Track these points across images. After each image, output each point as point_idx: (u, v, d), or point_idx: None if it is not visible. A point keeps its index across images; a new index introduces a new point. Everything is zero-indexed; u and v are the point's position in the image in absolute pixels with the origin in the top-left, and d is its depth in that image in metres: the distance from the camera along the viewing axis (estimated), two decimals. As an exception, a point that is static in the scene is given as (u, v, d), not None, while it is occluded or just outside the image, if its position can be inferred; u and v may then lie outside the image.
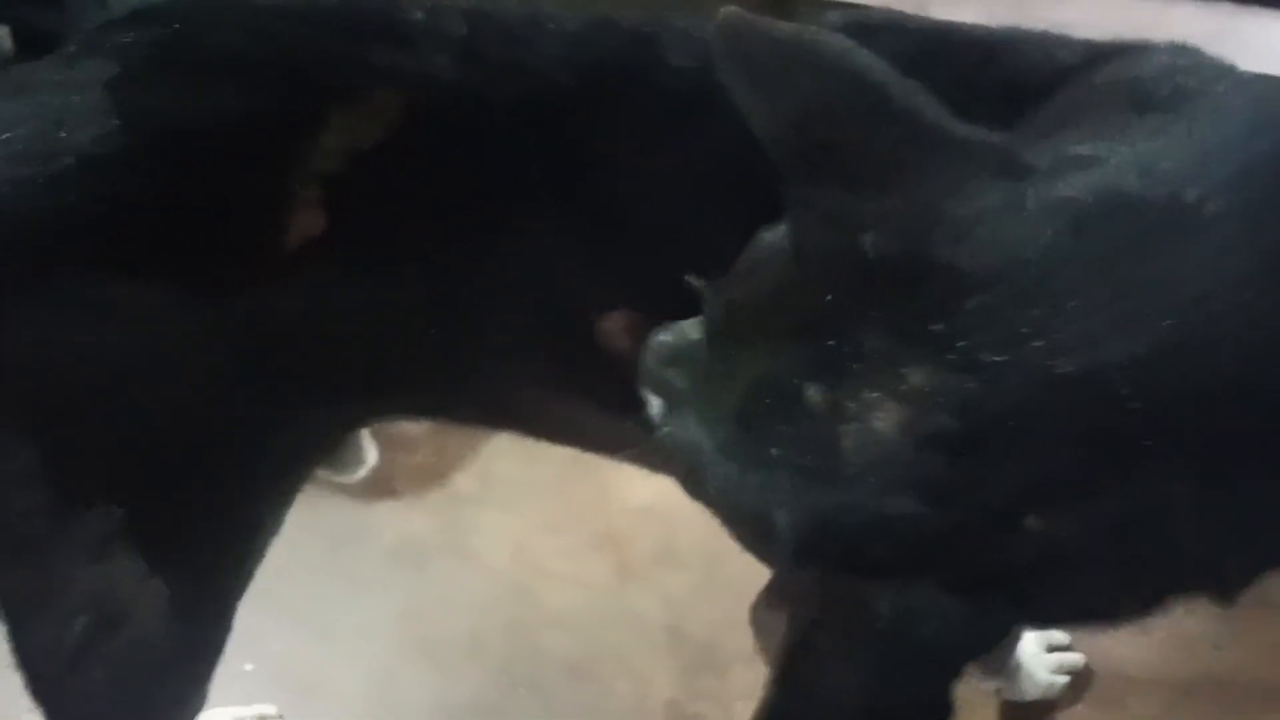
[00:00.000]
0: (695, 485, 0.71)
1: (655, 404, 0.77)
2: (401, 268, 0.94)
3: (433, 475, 1.66)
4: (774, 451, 0.64)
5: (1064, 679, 1.44)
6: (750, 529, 0.68)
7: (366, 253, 0.93)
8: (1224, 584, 0.71)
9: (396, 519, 1.64)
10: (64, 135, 0.85)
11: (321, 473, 1.18)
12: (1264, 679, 1.41)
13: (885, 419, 0.60)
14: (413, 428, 1.63)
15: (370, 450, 1.52)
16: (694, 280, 0.76)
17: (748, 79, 0.70)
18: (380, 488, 1.64)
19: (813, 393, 0.63)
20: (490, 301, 0.95)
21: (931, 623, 0.60)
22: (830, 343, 0.63)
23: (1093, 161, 0.67)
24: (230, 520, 1.03)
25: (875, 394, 0.61)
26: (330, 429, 1.10)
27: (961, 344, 0.59)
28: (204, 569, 1.04)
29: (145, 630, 1.02)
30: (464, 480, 1.67)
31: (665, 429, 0.73)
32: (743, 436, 0.67)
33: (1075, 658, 1.45)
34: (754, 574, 0.86)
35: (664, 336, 0.78)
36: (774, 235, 0.72)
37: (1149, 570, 0.67)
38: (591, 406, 1.00)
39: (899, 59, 0.79)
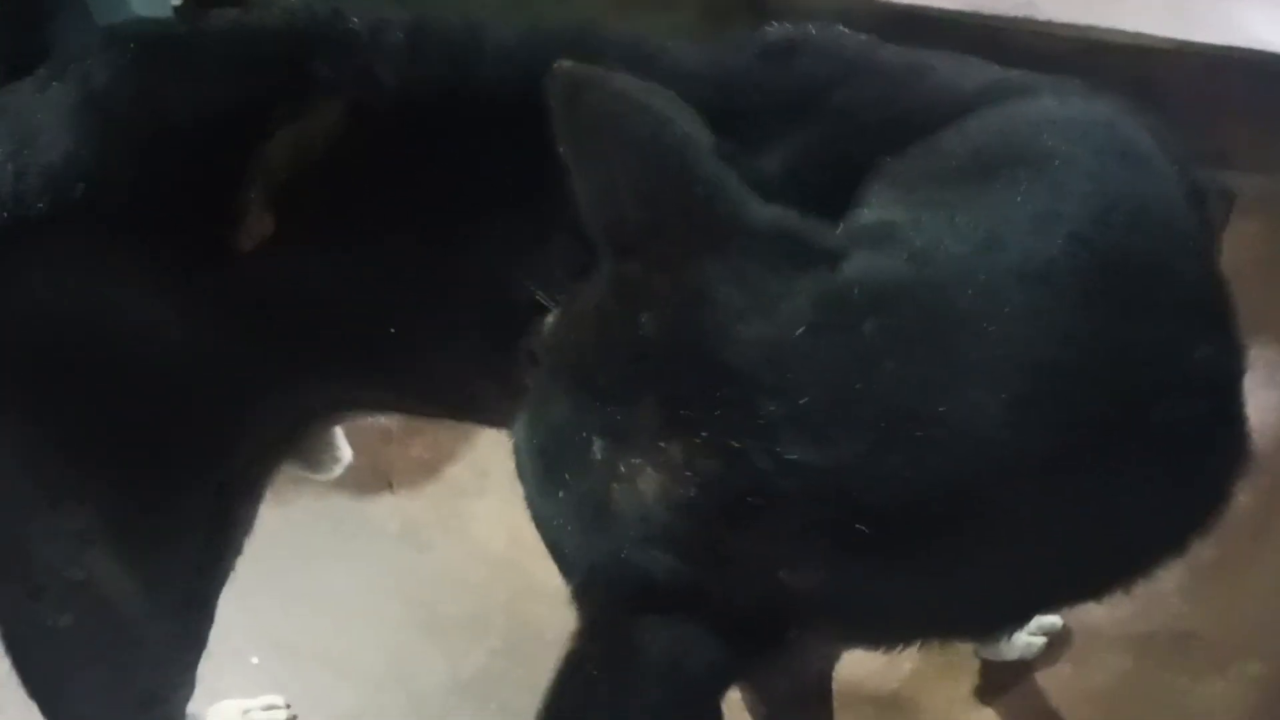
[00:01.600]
0: (524, 490, 0.75)
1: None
2: (357, 255, 1.00)
3: (430, 468, 1.72)
4: (561, 494, 0.68)
5: (1041, 640, 1.49)
6: (549, 549, 0.72)
7: (321, 244, 0.99)
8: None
9: (399, 510, 1.69)
10: (32, 152, 0.93)
11: (300, 472, 1.24)
12: (1227, 632, 1.47)
13: (647, 483, 0.64)
14: (408, 423, 1.68)
15: (344, 448, 1.58)
16: (541, 295, 0.79)
17: (570, 137, 0.72)
18: (380, 481, 1.71)
19: (597, 449, 0.66)
20: (442, 295, 1.01)
21: (693, 659, 0.63)
22: (614, 407, 0.66)
23: (887, 237, 0.69)
24: (205, 509, 1.08)
25: (640, 460, 0.65)
26: (299, 416, 1.15)
27: (706, 431, 0.63)
28: (182, 561, 1.10)
29: (129, 622, 1.08)
30: (459, 472, 1.73)
31: (514, 427, 0.76)
32: (541, 468, 0.71)
33: (1053, 619, 1.50)
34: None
35: (549, 322, 0.80)
36: (592, 286, 0.73)
37: (897, 620, 0.71)
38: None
39: (811, 83, 0.85)
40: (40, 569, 1.03)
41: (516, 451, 0.74)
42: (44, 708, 1.12)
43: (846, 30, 0.92)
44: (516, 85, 0.91)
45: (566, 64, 0.72)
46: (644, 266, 0.68)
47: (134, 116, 0.98)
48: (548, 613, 1.56)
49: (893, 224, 0.70)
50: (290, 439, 1.15)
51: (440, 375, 1.09)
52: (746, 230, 0.68)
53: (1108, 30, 1.49)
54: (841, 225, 0.71)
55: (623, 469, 0.65)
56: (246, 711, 1.50)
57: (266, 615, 1.57)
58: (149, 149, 0.97)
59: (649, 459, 0.64)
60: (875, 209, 0.73)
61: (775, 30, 0.92)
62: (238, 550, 1.13)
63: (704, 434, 0.63)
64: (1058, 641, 1.49)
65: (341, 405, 1.17)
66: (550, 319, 0.77)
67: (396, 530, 1.68)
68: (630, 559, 0.64)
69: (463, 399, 1.12)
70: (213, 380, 1.02)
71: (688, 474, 0.63)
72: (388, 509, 1.70)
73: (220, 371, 1.01)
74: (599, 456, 0.66)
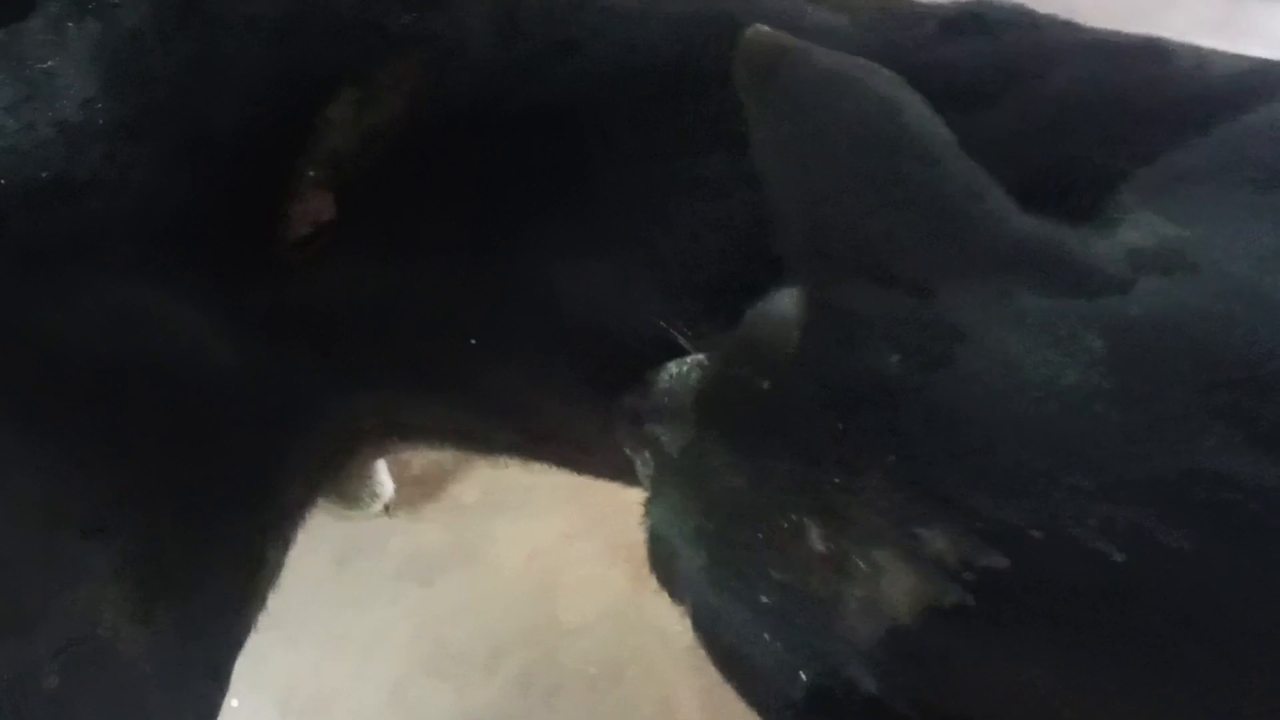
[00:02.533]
0: (669, 586, 0.62)
1: (639, 465, 0.67)
2: (419, 260, 0.86)
3: (432, 488, 1.60)
4: (763, 599, 0.55)
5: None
6: (727, 665, 0.58)
7: (381, 242, 0.86)
8: None
9: (399, 534, 1.57)
10: (47, 104, 0.78)
11: (337, 509, 1.11)
12: None
13: (896, 585, 0.50)
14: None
15: (386, 483, 1.46)
16: (680, 331, 0.67)
17: (766, 121, 0.58)
18: (383, 500, 1.58)
19: (815, 538, 0.52)
20: (512, 305, 0.87)
21: None
22: (835, 480, 0.52)
23: (1177, 263, 0.54)
24: (245, 552, 0.94)
25: (886, 552, 0.50)
26: (350, 444, 1.01)
27: (987, 513, 0.49)
28: (212, 615, 0.94)
29: (132, 673, 0.90)
30: (466, 489, 1.60)
31: (649, 508, 0.62)
32: (725, 563, 0.57)
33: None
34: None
35: (655, 379, 0.66)
36: (780, 311, 0.59)
37: None
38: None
39: (1010, 64, 0.71)
40: (54, 618, 0.87)
41: (657, 539, 0.61)
42: None
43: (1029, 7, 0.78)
44: (637, 60, 0.79)
45: (763, 30, 0.58)
46: (873, 291, 0.54)
47: (173, 67, 0.80)
48: (568, 645, 1.47)
49: (1179, 247, 0.56)
50: (336, 470, 1.02)
51: (511, 395, 0.95)
52: (1012, 245, 0.54)
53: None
54: (1102, 241, 0.57)
55: (860, 565, 0.51)
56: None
57: (250, 652, 1.42)
58: (191, 109, 0.80)
59: (897, 551, 0.50)
60: (1144, 224, 0.58)
61: (953, 3, 0.78)
62: (263, 602, 0.98)
63: (984, 518, 0.49)
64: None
65: (396, 431, 1.03)
66: (687, 366, 0.63)
67: (397, 557, 1.55)
68: (855, 679, 0.51)
69: (541, 428, 0.98)
70: (262, 401, 0.89)
71: (963, 574, 0.49)
72: (386, 533, 1.56)
73: (270, 392, 0.89)
74: (819, 547, 0.52)
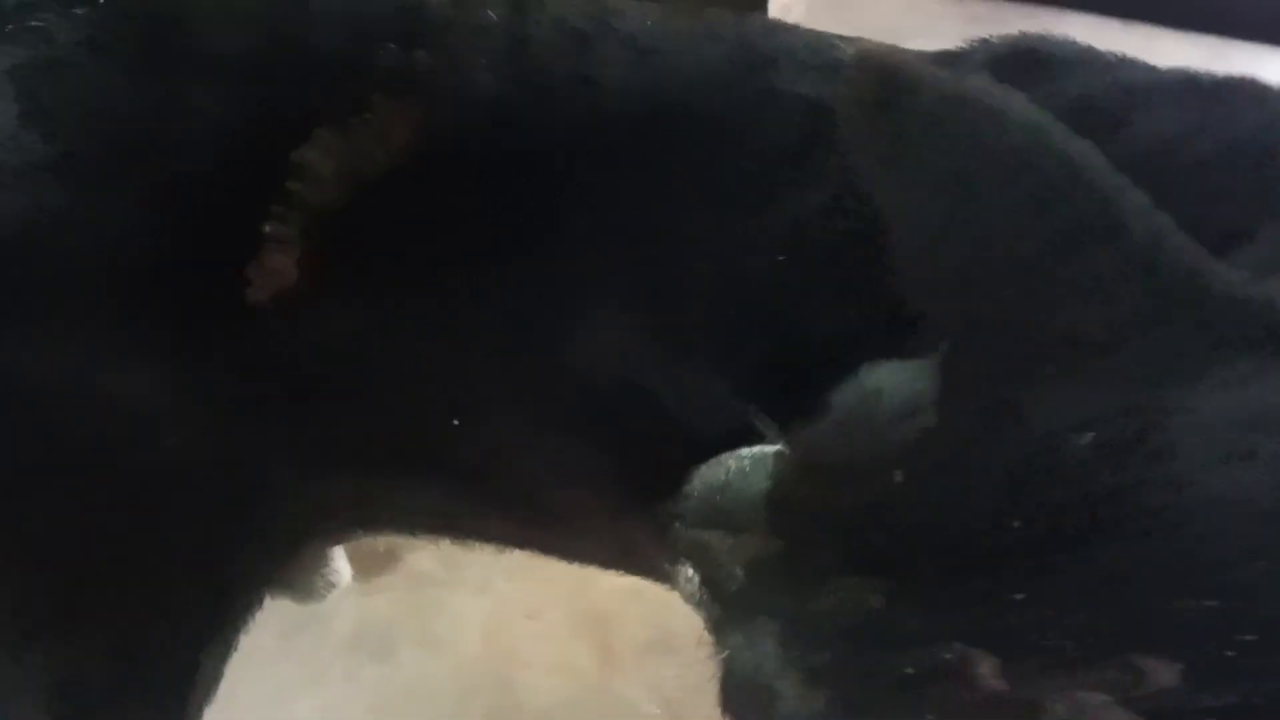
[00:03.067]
0: None
1: (681, 579, 0.58)
2: (402, 320, 0.77)
3: (388, 557, 1.50)
4: None
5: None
6: None
7: (358, 298, 0.76)
8: None
9: (353, 607, 1.47)
10: None
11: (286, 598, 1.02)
12: None
13: None
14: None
15: (344, 569, 1.36)
16: (759, 418, 0.57)
17: (888, 154, 0.49)
18: (333, 572, 1.48)
19: (989, 672, 0.43)
20: (512, 373, 0.79)
21: None
22: (1016, 596, 0.42)
23: None
24: (172, 668, 0.84)
25: (1100, 698, 0.42)
26: (301, 533, 0.91)
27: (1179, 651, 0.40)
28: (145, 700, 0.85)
29: None
30: (423, 561, 1.51)
31: (721, 637, 0.54)
32: (859, 707, 0.47)
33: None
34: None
35: (705, 475, 0.57)
36: (898, 387, 0.50)
37: None
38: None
39: (1087, 107, 0.62)
40: None
41: (741, 679, 0.51)
42: None
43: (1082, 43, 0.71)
44: (648, 105, 0.71)
45: (874, 49, 0.50)
46: (1048, 353, 0.45)
47: (113, 94, 0.70)
48: (531, 729, 1.38)
49: None
50: (290, 563, 0.92)
51: (511, 482, 0.86)
52: (1215, 304, 0.45)
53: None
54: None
55: (1057, 707, 0.41)
56: None
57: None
58: (143, 149, 0.71)
59: (1112, 693, 0.41)
60: None
61: (1002, 40, 0.70)
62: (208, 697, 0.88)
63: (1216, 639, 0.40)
64: None
65: (366, 518, 0.94)
66: (749, 461, 0.54)
67: (350, 632, 1.45)
68: None
69: (545, 516, 0.89)
70: (216, 491, 0.80)
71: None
72: (339, 606, 1.46)
73: (227, 480, 0.79)
74: (996, 684, 0.43)
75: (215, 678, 0.87)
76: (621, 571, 0.95)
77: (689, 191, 0.73)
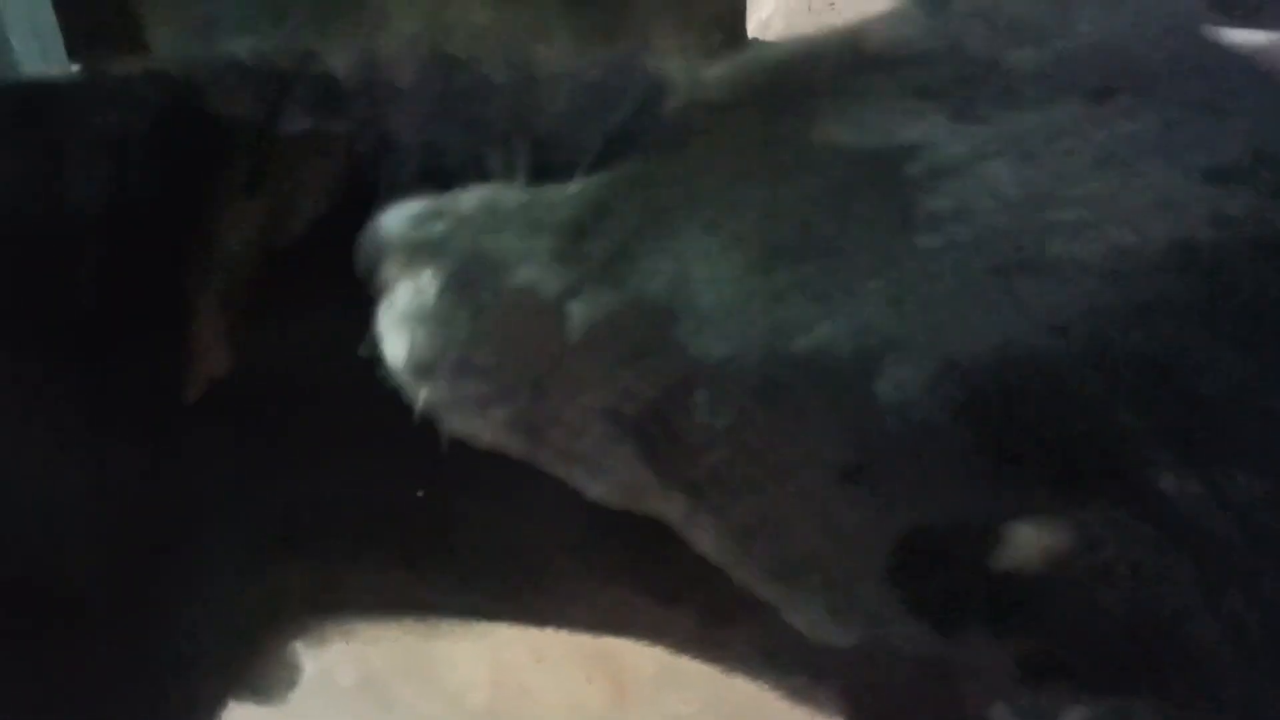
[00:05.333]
0: None
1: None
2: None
3: (390, 602, 1.39)
4: None
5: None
6: None
7: (286, 374, 0.77)
8: None
9: (355, 656, 1.40)
10: None
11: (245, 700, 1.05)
12: None
13: None
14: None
15: (300, 660, 1.27)
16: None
17: None
18: (331, 622, 1.37)
19: None
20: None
21: None
22: None
23: None
24: None
25: None
26: (256, 636, 0.92)
27: None
28: None
29: None
30: (428, 605, 1.41)
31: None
32: None
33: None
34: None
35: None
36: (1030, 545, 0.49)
37: None
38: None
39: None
40: None
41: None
42: None
43: None
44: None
45: None
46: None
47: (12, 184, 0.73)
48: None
49: None
50: (253, 658, 0.93)
51: (497, 558, 0.88)
52: None
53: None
54: None
55: None
56: None
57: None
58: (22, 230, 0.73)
59: None
60: None
61: None
62: None
63: None
64: None
65: (324, 609, 0.94)
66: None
67: (354, 684, 1.41)
68: None
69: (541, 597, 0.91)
70: (149, 606, 0.79)
71: None
72: (341, 656, 1.39)
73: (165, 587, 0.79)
74: None
75: None
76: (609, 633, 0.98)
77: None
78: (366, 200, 0.68)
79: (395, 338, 0.63)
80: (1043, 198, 0.45)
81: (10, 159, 0.74)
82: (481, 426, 0.63)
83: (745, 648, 0.86)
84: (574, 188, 0.60)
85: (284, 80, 0.77)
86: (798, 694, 0.81)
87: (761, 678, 0.84)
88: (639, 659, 1.42)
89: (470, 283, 0.61)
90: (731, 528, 0.55)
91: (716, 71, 0.58)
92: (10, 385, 0.71)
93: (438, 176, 0.67)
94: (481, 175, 0.66)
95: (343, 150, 0.74)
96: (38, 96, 0.80)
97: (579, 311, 0.56)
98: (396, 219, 0.63)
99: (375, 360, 0.64)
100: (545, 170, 0.65)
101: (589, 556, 0.79)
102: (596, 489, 0.61)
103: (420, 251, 0.62)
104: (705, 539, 0.57)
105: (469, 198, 0.64)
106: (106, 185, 0.72)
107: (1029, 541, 0.43)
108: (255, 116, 0.75)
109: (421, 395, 0.62)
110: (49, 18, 1.45)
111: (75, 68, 1.56)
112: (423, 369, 0.62)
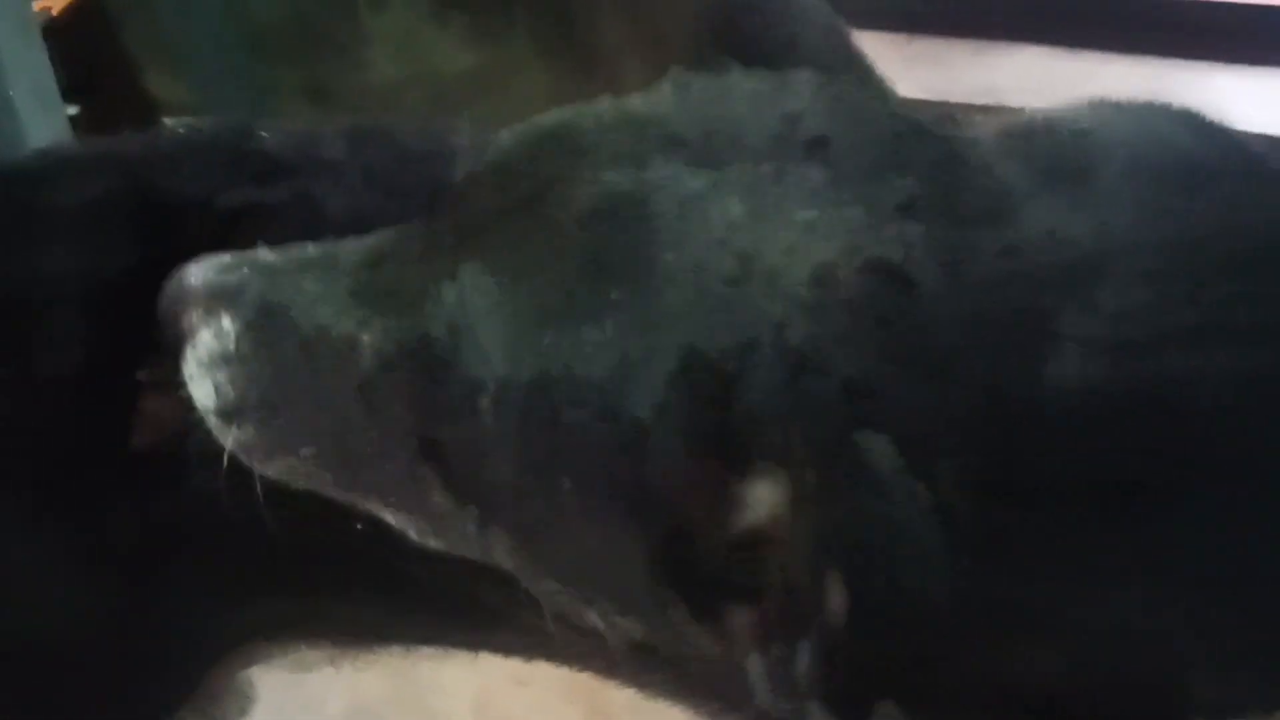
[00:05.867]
0: None
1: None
2: None
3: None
4: None
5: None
6: None
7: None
8: None
9: (342, 684, 1.43)
10: None
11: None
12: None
13: None
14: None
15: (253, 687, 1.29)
16: None
17: None
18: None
19: None
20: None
21: None
22: None
23: None
24: None
25: None
26: (217, 667, 0.96)
27: None
28: None
29: None
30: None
31: None
32: None
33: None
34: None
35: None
36: None
37: None
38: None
39: None
40: None
41: None
42: None
43: None
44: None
45: None
46: None
47: None
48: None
49: None
50: (203, 686, 0.96)
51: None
52: None
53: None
54: None
55: None
56: None
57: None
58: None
59: None
60: None
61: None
62: None
63: None
64: None
65: (283, 639, 0.99)
66: None
67: (344, 712, 1.45)
68: None
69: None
70: (127, 653, 0.85)
71: None
72: (328, 683, 1.43)
73: (138, 637, 0.85)
74: None
75: None
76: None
77: None
78: None
79: (201, 383, 0.66)
80: (765, 222, 0.55)
81: None
82: (294, 466, 0.66)
83: (662, 675, 0.95)
84: (370, 239, 0.66)
85: (225, 157, 0.84)
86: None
87: (682, 704, 0.94)
88: (612, 684, 1.46)
89: (268, 325, 0.64)
90: (517, 534, 0.60)
91: (502, 136, 0.64)
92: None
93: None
94: None
95: (275, 221, 0.78)
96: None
97: (369, 341, 0.61)
98: (198, 270, 0.67)
99: None
100: None
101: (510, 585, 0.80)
102: (420, 531, 0.66)
103: (218, 298, 0.65)
104: (502, 552, 0.62)
105: (269, 251, 0.68)
106: (67, 262, 0.78)
107: (762, 499, 0.51)
108: (198, 193, 0.81)
109: (230, 438, 0.66)
110: (44, 63, 1.48)
111: (71, 110, 1.60)
112: (228, 412, 0.66)
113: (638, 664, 0.85)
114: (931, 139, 0.59)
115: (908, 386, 0.51)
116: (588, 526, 0.57)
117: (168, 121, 0.97)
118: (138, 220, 0.78)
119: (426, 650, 1.35)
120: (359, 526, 0.74)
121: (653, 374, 0.54)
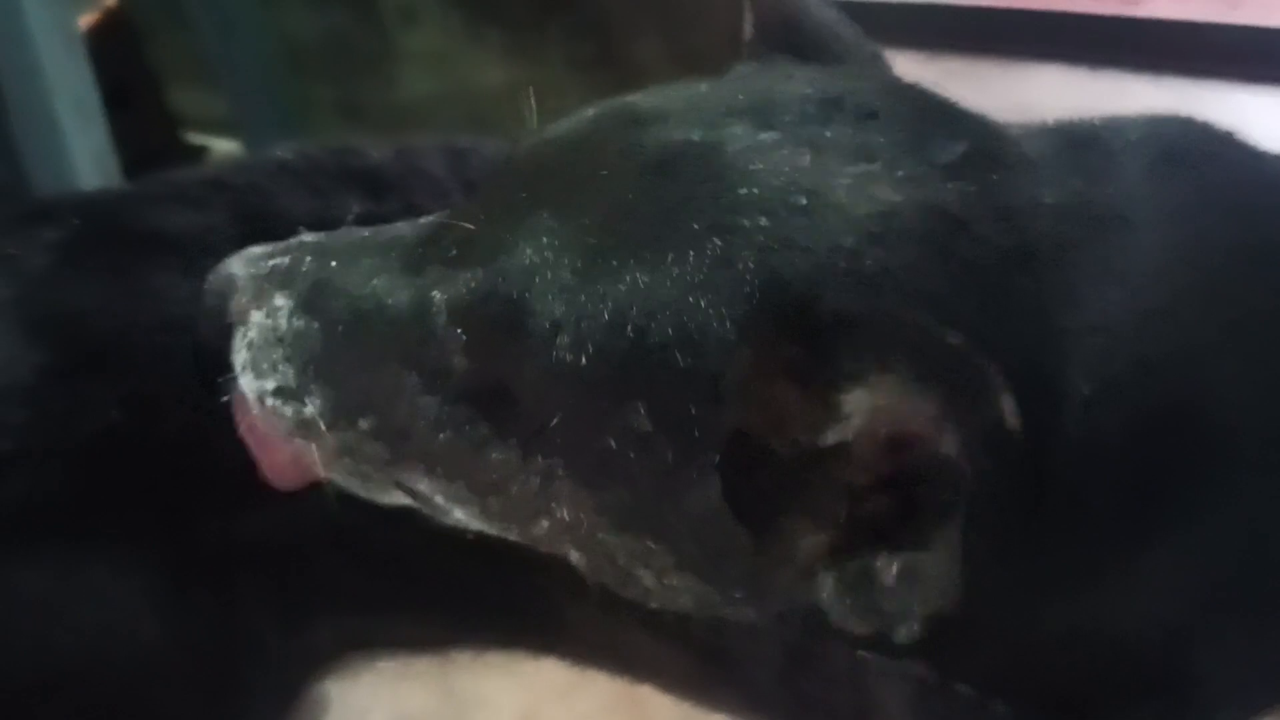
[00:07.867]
0: None
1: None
2: None
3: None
4: None
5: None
6: None
7: None
8: None
9: (385, 695, 1.43)
10: None
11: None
12: None
13: None
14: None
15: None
16: None
17: None
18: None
19: None
20: None
21: None
22: None
23: None
24: None
25: None
26: (295, 687, 0.98)
27: None
28: None
29: None
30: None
31: None
32: None
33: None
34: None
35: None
36: None
37: None
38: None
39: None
40: None
41: None
42: None
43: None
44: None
45: None
46: None
47: (84, 306, 0.80)
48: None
49: None
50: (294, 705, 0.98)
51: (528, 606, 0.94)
52: None
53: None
54: None
55: None
56: None
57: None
58: (106, 342, 0.80)
59: None
60: None
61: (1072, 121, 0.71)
62: None
63: None
64: None
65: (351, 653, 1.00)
66: None
67: None
68: None
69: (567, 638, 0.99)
70: (204, 671, 0.85)
71: None
72: (371, 694, 1.42)
73: (215, 655, 0.85)
74: None
75: None
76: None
77: None
78: None
79: (254, 367, 0.67)
80: (829, 171, 0.58)
81: (91, 274, 0.81)
82: (351, 442, 0.66)
83: (733, 693, 1.00)
84: (421, 221, 0.67)
85: (330, 174, 0.86)
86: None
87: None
88: (662, 698, 1.45)
89: (323, 298, 0.65)
90: (581, 477, 0.61)
91: (529, 139, 0.66)
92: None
93: None
94: None
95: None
96: (104, 207, 0.88)
97: (440, 299, 0.62)
98: (239, 260, 0.68)
99: None
100: None
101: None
102: (466, 501, 0.66)
103: (269, 280, 0.67)
104: (563, 503, 0.62)
105: (313, 236, 0.69)
106: (183, 289, 0.78)
107: (855, 407, 0.54)
108: (312, 209, 0.82)
109: (291, 416, 0.66)
110: (86, 76, 1.49)
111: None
112: (289, 390, 0.66)
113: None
114: (970, 116, 0.65)
115: (973, 306, 0.55)
116: (655, 456, 0.58)
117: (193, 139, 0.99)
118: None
119: (472, 662, 1.36)
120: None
121: (734, 299, 0.56)
